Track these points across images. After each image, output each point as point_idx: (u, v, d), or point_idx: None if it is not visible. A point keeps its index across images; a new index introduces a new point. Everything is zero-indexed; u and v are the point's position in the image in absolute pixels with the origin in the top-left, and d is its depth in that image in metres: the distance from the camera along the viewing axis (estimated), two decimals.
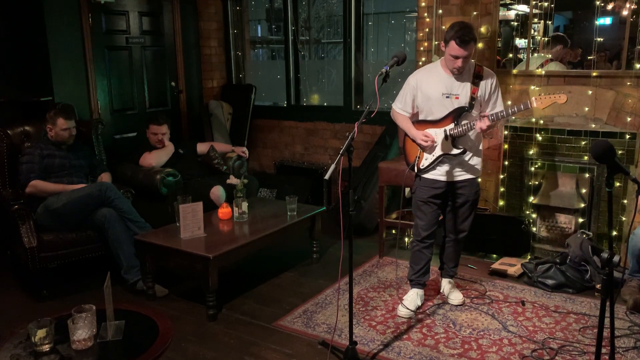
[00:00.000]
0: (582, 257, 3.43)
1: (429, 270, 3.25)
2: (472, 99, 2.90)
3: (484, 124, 2.81)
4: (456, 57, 2.78)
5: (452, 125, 2.93)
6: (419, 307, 3.21)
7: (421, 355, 2.74)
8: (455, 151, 2.97)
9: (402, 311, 3.14)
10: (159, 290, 3.45)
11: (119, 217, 3.48)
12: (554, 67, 3.97)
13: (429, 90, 2.96)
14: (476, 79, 2.90)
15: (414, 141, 3.06)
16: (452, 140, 2.97)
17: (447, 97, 2.92)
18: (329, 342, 2.77)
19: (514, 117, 4.02)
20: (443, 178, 3.04)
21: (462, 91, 2.91)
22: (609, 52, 3.80)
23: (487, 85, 2.93)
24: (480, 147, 3.08)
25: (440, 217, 3.28)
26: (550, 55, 4.01)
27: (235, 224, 3.62)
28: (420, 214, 3.12)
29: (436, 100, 2.95)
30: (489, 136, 4.10)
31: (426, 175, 3.07)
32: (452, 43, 2.75)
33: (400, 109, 3.09)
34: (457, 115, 2.92)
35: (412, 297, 3.20)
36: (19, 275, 3.73)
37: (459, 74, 2.89)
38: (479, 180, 3.17)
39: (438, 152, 3.00)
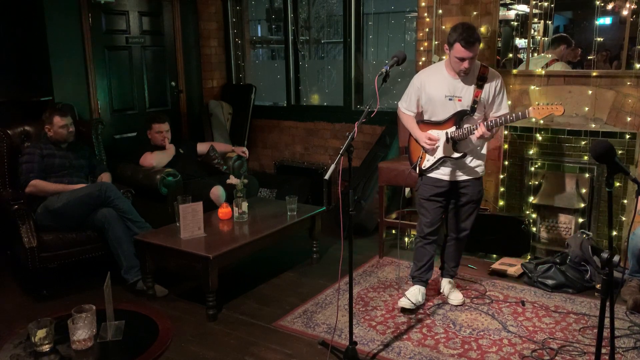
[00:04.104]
0: (582, 257, 3.43)
1: (432, 268, 3.25)
2: (475, 102, 2.89)
3: (480, 131, 2.80)
4: (462, 59, 2.77)
5: (453, 129, 2.93)
6: (420, 304, 3.21)
7: (421, 355, 2.74)
8: (455, 155, 2.96)
9: (403, 301, 3.14)
10: (159, 290, 3.45)
11: (119, 217, 3.48)
12: (560, 67, 3.96)
13: (432, 92, 2.96)
14: (480, 81, 2.88)
15: (417, 142, 3.07)
16: (453, 143, 2.96)
17: (450, 99, 2.92)
18: (329, 342, 2.77)
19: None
20: (446, 177, 3.04)
21: (465, 94, 2.90)
22: (610, 52, 3.80)
23: (491, 87, 2.91)
24: (484, 151, 3.07)
25: (443, 216, 3.28)
26: (550, 56, 4.01)
27: (235, 224, 3.62)
28: (424, 211, 3.13)
29: (439, 102, 2.94)
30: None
31: (429, 174, 3.08)
32: (457, 45, 2.74)
33: (406, 108, 3.11)
34: (459, 118, 2.92)
35: (414, 292, 3.20)
36: (19, 275, 3.73)
37: (465, 76, 2.88)
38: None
39: (439, 154, 3.00)
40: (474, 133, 2.86)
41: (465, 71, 2.83)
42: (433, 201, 3.09)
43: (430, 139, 2.95)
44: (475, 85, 2.89)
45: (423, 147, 3.02)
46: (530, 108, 2.77)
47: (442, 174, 3.04)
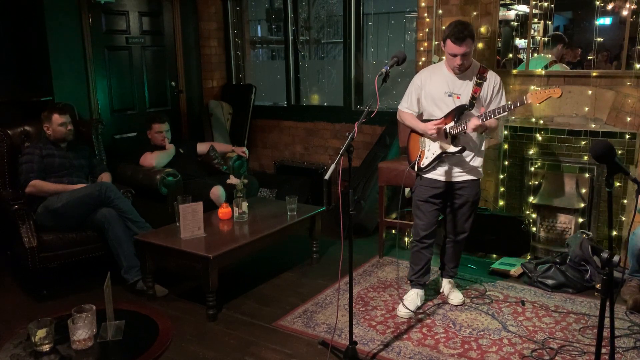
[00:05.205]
0: (582, 257, 3.43)
1: (429, 271, 3.25)
2: (474, 98, 2.90)
3: (474, 122, 2.79)
4: (454, 55, 2.80)
5: (452, 124, 2.94)
6: (419, 308, 3.21)
7: (421, 355, 2.74)
8: (453, 149, 2.96)
9: (401, 311, 3.15)
10: (159, 290, 3.45)
11: (119, 217, 3.48)
12: (558, 68, 3.96)
13: (432, 89, 2.97)
14: (479, 79, 2.91)
15: (421, 135, 3.06)
16: (452, 138, 2.97)
17: (449, 95, 2.94)
18: (328, 342, 2.77)
19: (513, 117, 4.02)
20: (442, 178, 3.04)
21: (464, 90, 2.92)
22: (609, 52, 3.80)
23: (489, 86, 2.93)
24: (482, 148, 3.07)
25: (441, 218, 3.28)
26: (550, 56, 4.01)
27: (235, 224, 3.62)
28: (420, 213, 3.12)
29: (439, 98, 2.96)
30: (489, 136, 4.10)
31: (426, 175, 3.08)
32: (448, 41, 2.78)
33: (407, 108, 3.11)
34: (457, 113, 2.92)
35: (412, 298, 3.20)
36: (19, 275, 3.73)
37: (461, 73, 2.90)
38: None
39: (438, 150, 3.00)
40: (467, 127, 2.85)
41: (459, 67, 2.85)
42: (430, 203, 3.08)
43: (434, 123, 2.93)
44: (475, 83, 2.90)
45: (428, 135, 2.99)
46: (528, 94, 2.77)
47: (439, 174, 3.05)
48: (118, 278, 3.36)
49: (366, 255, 4.08)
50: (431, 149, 3.04)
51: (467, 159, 3.02)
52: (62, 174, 3.64)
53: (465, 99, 2.91)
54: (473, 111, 2.92)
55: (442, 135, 2.96)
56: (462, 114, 2.92)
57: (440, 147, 2.99)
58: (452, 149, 2.96)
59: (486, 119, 2.80)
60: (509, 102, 2.82)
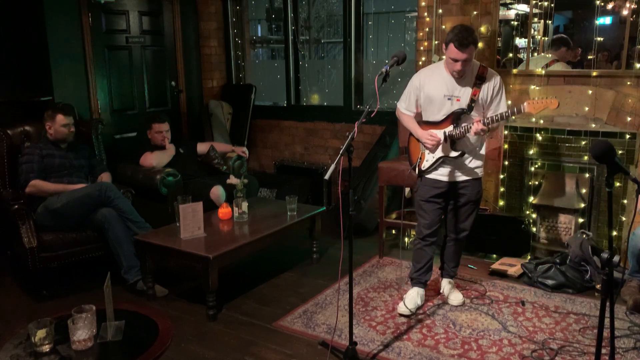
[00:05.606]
0: (582, 257, 3.43)
1: (431, 269, 3.25)
2: (472, 100, 2.89)
3: (477, 127, 2.80)
4: (455, 60, 2.78)
5: (451, 127, 2.93)
6: (419, 307, 3.21)
7: (421, 356, 2.74)
8: (453, 154, 2.96)
9: (401, 308, 3.14)
10: (159, 290, 3.45)
11: (119, 217, 3.47)
12: (560, 68, 3.96)
13: (431, 92, 2.96)
14: (478, 80, 2.88)
15: (419, 141, 3.06)
16: (451, 142, 2.96)
17: (449, 98, 2.92)
18: (329, 343, 2.76)
19: (513, 117, 4.01)
20: (445, 178, 3.04)
21: (464, 93, 2.90)
22: (610, 52, 3.80)
23: (489, 87, 2.91)
24: (482, 151, 3.06)
25: (442, 217, 3.28)
26: (550, 56, 4.01)
27: (235, 224, 3.62)
28: (423, 212, 3.12)
29: (438, 101, 2.95)
30: (489, 136, 4.10)
31: (428, 176, 3.08)
32: (451, 46, 2.75)
33: (405, 108, 3.10)
34: (456, 117, 2.92)
35: (413, 296, 3.20)
36: (19, 275, 3.73)
37: (459, 77, 2.88)
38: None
39: (438, 153, 3.00)
40: (470, 131, 2.86)
41: (459, 73, 2.82)
42: (432, 202, 3.09)
43: (431, 135, 2.95)
44: (474, 85, 2.89)
45: (424, 145, 3.01)
46: (525, 103, 2.77)
47: (441, 174, 3.05)
48: (118, 278, 3.36)
49: (366, 255, 4.08)
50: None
51: (467, 161, 3.02)
52: (62, 174, 3.64)
53: (465, 102, 2.90)
54: (472, 114, 2.91)
55: (437, 145, 2.97)
56: (460, 117, 2.91)
57: (441, 151, 2.99)
58: (452, 153, 2.97)
59: (491, 122, 2.80)
60: (507, 110, 2.82)
